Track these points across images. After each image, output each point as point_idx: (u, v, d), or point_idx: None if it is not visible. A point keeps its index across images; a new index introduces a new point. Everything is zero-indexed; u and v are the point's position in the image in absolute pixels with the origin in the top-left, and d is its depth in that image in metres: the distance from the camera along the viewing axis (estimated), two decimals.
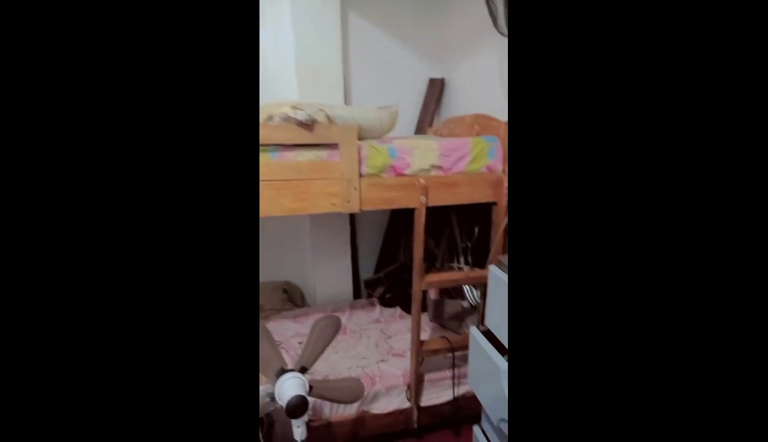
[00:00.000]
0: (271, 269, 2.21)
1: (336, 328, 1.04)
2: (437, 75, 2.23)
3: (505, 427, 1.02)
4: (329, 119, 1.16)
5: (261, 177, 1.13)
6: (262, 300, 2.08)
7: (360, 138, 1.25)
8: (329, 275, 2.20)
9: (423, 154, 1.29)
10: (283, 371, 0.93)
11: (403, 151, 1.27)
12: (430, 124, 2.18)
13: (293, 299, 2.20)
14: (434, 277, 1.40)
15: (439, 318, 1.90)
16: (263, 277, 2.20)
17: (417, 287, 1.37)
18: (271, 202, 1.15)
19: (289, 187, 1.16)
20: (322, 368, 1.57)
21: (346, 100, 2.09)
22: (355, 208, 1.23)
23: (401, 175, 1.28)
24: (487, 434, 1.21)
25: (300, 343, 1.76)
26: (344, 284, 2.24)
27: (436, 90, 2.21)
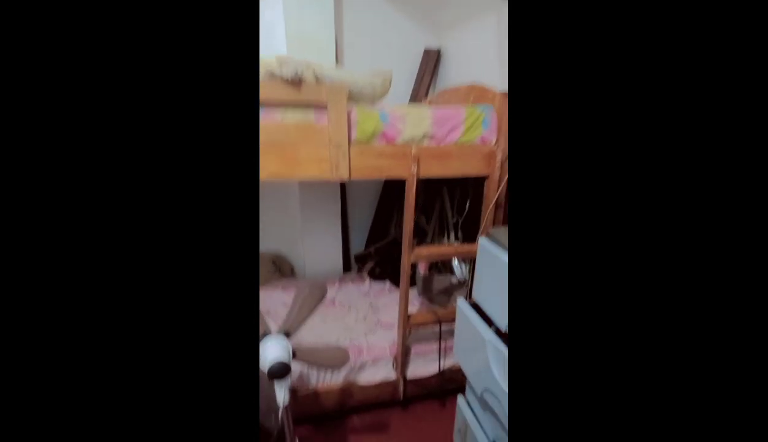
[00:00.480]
0: (260, 240, 2.18)
1: (321, 294, 1.02)
2: (433, 46, 2.15)
3: (488, 397, 1.03)
4: (317, 78, 1.10)
5: None
6: None
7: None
8: (319, 248, 2.18)
9: (415, 122, 1.24)
10: (264, 334, 0.91)
11: (394, 117, 1.22)
12: (425, 96, 2.12)
13: (282, 270, 2.18)
14: (423, 250, 1.39)
15: (427, 293, 1.90)
16: None
17: (406, 260, 1.35)
18: None
19: (275, 151, 1.11)
20: (309, 338, 1.57)
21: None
22: (344, 175, 1.19)
23: (392, 143, 1.23)
24: (471, 404, 1.23)
25: None
26: (334, 258, 2.23)
27: (431, 61, 2.14)
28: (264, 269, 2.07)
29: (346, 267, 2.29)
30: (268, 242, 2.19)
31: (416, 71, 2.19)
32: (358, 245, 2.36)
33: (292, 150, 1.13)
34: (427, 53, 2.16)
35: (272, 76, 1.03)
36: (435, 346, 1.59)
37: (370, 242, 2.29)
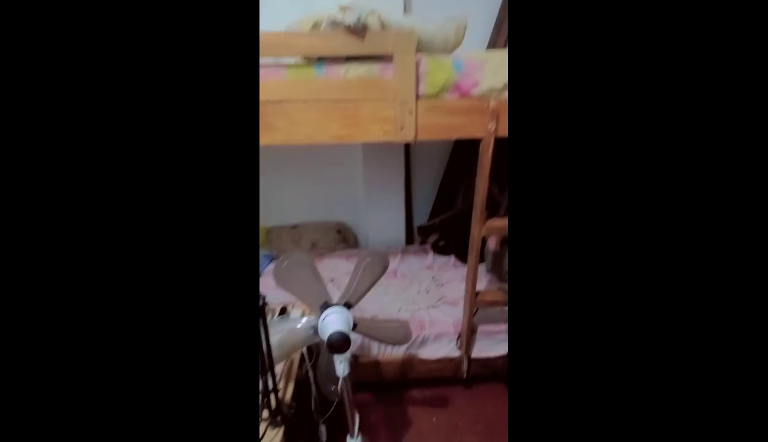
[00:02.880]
0: (325, 209, 2.20)
1: (383, 266, 0.95)
2: None
3: None
4: (383, 25, 0.97)
5: (305, 96, 1.01)
6: (316, 237, 2.09)
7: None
8: (382, 218, 2.12)
9: (495, 70, 1.05)
10: (327, 304, 0.88)
11: (470, 65, 1.04)
12: (504, 46, 1.84)
13: (347, 240, 2.19)
14: (497, 222, 1.22)
15: (498, 270, 1.74)
16: (318, 216, 2.20)
17: (477, 232, 1.21)
18: (316, 127, 1.04)
19: (337, 110, 1.03)
20: (371, 308, 1.55)
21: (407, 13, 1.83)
22: (409, 136, 1.07)
23: (467, 95, 1.06)
24: None
25: None
26: (397, 229, 2.16)
27: None
28: (329, 237, 2.09)
29: (409, 239, 2.21)
30: (333, 211, 2.20)
31: (495, 17, 1.90)
32: (421, 217, 2.25)
33: (354, 109, 1.03)
34: None
35: (335, 24, 0.92)
36: (503, 326, 1.46)
37: (434, 213, 2.17)
